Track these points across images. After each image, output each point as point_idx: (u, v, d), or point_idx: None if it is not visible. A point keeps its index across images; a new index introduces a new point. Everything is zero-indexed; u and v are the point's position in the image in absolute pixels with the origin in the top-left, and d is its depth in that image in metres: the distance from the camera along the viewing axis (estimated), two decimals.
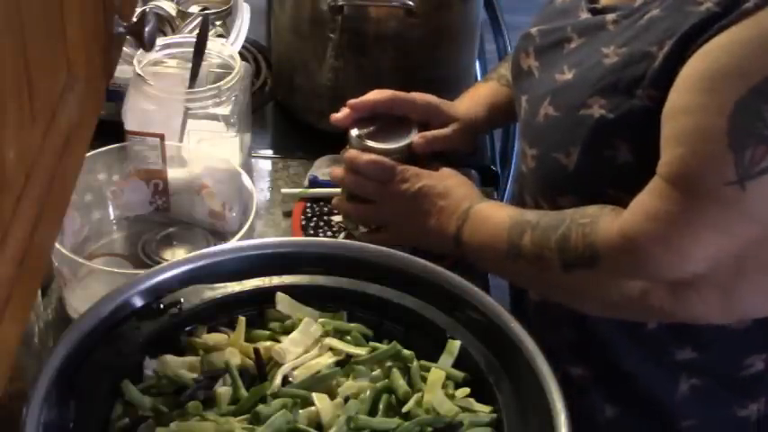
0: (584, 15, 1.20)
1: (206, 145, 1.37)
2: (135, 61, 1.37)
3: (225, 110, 1.36)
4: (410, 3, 1.46)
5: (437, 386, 1.02)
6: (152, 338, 1.06)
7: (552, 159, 1.16)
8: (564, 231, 1.12)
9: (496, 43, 2.03)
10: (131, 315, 1.06)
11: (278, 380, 1.03)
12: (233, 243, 1.19)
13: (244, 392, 1.02)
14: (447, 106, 1.40)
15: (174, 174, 1.35)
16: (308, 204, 1.44)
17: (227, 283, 1.11)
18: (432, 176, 1.28)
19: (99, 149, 1.30)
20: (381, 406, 1.02)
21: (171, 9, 1.61)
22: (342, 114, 1.35)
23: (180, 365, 1.04)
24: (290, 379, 1.04)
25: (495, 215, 1.20)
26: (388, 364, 1.06)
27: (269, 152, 1.57)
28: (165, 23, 1.58)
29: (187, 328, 1.08)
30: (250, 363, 1.06)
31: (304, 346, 1.07)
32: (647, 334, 1.20)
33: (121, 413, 1.01)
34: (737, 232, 1.06)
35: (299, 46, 1.54)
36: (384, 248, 1.15)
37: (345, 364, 1.06)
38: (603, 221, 1.10)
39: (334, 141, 1.41)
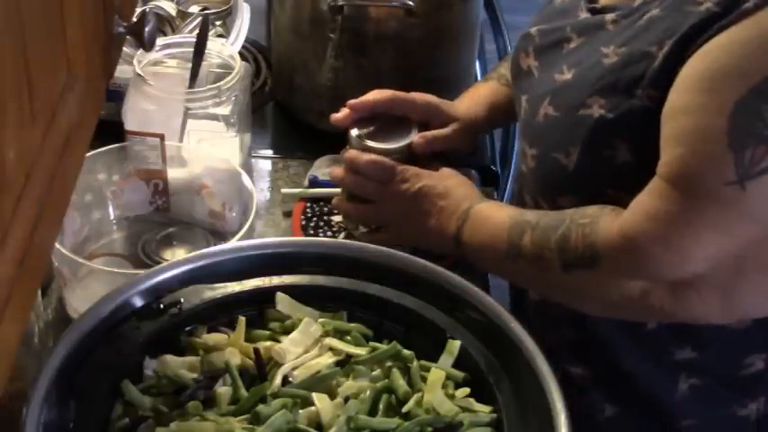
0: (584, 15, 1.20)
1: (206, 145, 1.37)
2: (135, 61, 1.37)
3: (225, 110, 1.36)
4: (410, 3, 1.46)
5: (437, 386, 1.02)
6: (152, 338, 1.06)
7: (552, 159, 1.16)
8: (564, 231, 1.12)
9: (496, 43, 2.03)
10: (131, 315, 1.06)
11: (278, 380, 1.03)
12: (233, 243, 1.19)
13: (244, 392, 1.02)
14: (447, 106, 1.40)
15: (174, 174, 1.35)
16: (308, 204, 1.44)
17: (227, 283, 1.11)
18: (432, 176, 1.28)
19: (99, 149, 1.30)
20: (381, 406, 1.02)
21: (171, 9, 1.61)
22: (342, 114, 1.35)
23: (180, 365, 1.04)
24: (290, 379, 1.04)
25: (495, 215, 1.20)
26: (388, 364, 1.06)
27: (269, 152, 1.57)
28: (165, 23, 1.58)
29: (187, 328, 1.08)
30: (250, 363, 1.06)
31: (304, 346, 1.07)
32: (646, 334, 1.20)
33: (121, 413, 1.01)
34: (737, 232, 1.06)
35: (299, 46, 1.54)
36: (384, 248, 1.15)
37: (345, 364, 1.06)
38: (603, 221, 1.10)
39: (334, 141, 1.41)
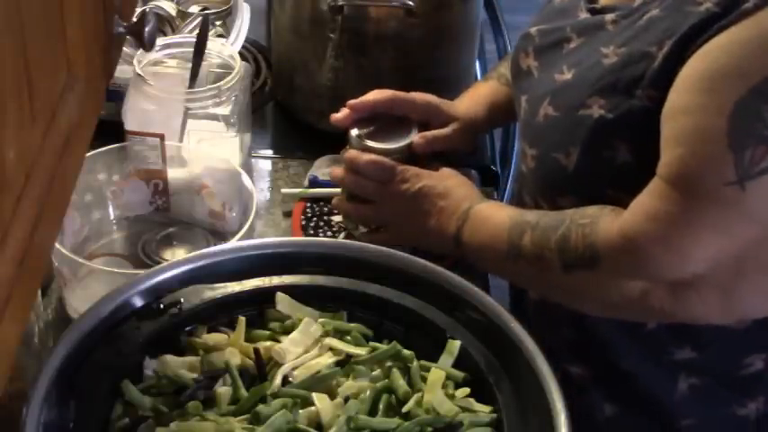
0: (584, 15, 1.20)
1: (206, 145, 1.37)
2: (135, 61, 1.37)
3: (225, 110, 1.36)
4: (410, 3, 1.46)
5: (437, 386, 1.02)
6: (152, 338, 1.06)
7: (552, 159, 1.16)
8: (564, 232, 1.12)
9: (496, 43, 2.03)
10: (131, 315, 1.06)
11: (278, 380, 1.03)
12: (233, 243, 1.19)
13: (244, 392, 1.02)
14: (447, 106, 1.40)
15: (174, 174, 1.35)
16: (308, 204, 1.44)
17: (227, 283, 1.11)
18: (432, 177, 1.28)
19: (99, 149, 1.30)
20: (381, 406, 1.02)
21: (171, 9, 1.61)
22: (342, 114, 1.35)
23: (180, 365, 1.04)
24: (290, 379, 1.04)
25: (495, 215, 1.20)
26: (388, 364, 1.06)
27: (269, 152, 1.57)
28: (165, 23, 1.58)
29: (187, 328, 1.08)
30: (250, 363, 1.06)
31: (304, 346, 1.07)
32: (646, 334, 1.20)
33: (121, 413, 1.01)
34: (737, 233, 1.06)
35: (299, 46, 1.54)
36: (384, 248, 1.15)
37: (345, 364, 1.06)
38: (603, 222, 1.10)
39: (334, 141, 1.41)
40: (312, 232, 1.40)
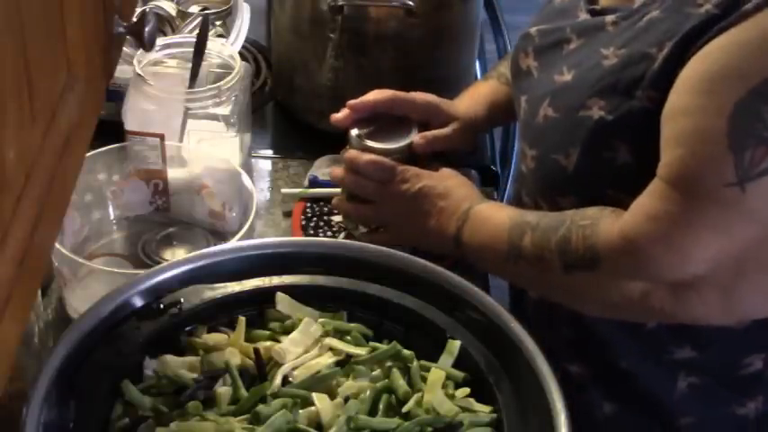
0: (583, 16, 1.20)
1: (206, 145, 1.37)
2: (135, 61, 1.37)
3: (225, 110, 1.36)
4: (410, 3, 1.46)
5: (437, 386, 1.02)
6: (152, 338, 1.06)
7: (552, 160, 1.16)
8: (564, 233, 1.12)
9: (496, 43, 2.03)
10: (131, 315, 1.06)
11: (278, 380, 1.03)
12: (233, 243, 1.19)
13: (244, 392, 1.02)
14: (447, 105, 1.40)
15: (174, 174, 1.35)
16: (308, 204, 1.44)
17: (227, 283, 1.11)
18: (432, 177, 1.28)
19: (99, 149, 1.30)
20: (381, 406, 1.02)
21: (171, 9, 1.61)
22: (342, 114, 1.35)
23: (180, 365, 1.04)
24: (290, 379, 1.04)
25: (495, 216, 1.20)
26: (388, 364, 1.06)
27: (269, 152, 1.57)
28: (165, 23, 1.58)
29: (187, 328, 1.08)
30: (250, 363, 1.06)
31: (304, 346, 1.07)
32: (646, 333, 1.20)
33: (121, 413, 1.01)
34: (737, 233, 1.06)
35: (299, 46, 1.54)
36: (384, 248, 1.15)
37: (345, 364, 1.06)
38: (604, 223, 1.10)
39: (335, 141, 1.41)
40: (312, 232, 1.40)
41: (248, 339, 1.08)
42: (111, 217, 1.36)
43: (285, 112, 1.63)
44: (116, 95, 1.40)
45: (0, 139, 0.66)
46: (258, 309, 1.11)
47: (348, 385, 1.03)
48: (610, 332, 1.21)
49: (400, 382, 1.03)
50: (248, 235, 1.23)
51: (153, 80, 1.35)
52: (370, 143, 1.32)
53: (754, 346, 1.21)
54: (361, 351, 1.07)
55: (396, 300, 1.11)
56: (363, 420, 0.99)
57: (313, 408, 1.01)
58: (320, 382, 1.03)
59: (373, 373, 1.05)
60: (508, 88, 1.37)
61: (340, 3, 1.46)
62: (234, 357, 1.05)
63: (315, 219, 1.41)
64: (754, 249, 1.07)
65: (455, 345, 1.06)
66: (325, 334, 1.08)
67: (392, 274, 1.12)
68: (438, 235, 1.24)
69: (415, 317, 1.10)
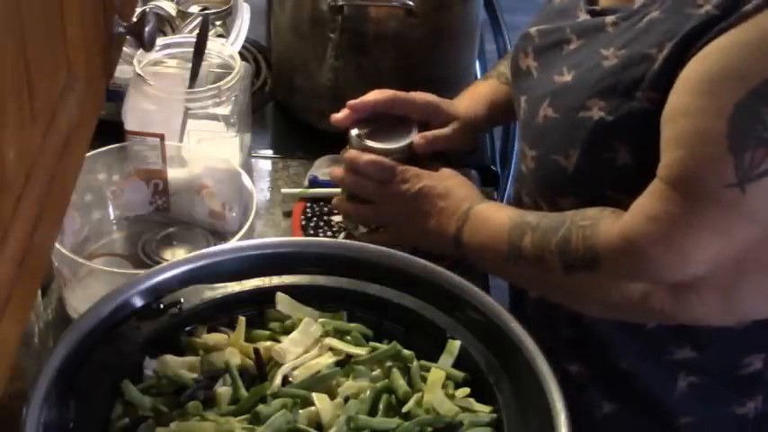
0: (583, 16, 1.20)
1: (206, 145, 1.37)
2: (135, 61, 1.37)
3: (225, 110, 1.36)
4: (410, 3, 1.46)
5: (437, 386, 1.02)
6: (152, 338, 1.06)
7: (552, 161, 1.16)
8: (564, 234, 1.12)
9: (496, 43, 2.03)
10: (131, 315, 1.07)
11: (278, 380, 1.03)
12: (233, 243, 1.19)
13: (244, 392, 1.02)
14: (447, 105, 1.40)
15: (174, 174, 1.35)
16: (308, 204, 1.44)
17: (227, 283, 1.11)
18: (432, 177, 1.28)
19: (99, 149, 1.30)
20: (381, 406, 1.02)
21: (171, 9, 1.61)
22: (342, 114, 1.35)
23: (180, 365, 1.04)
24: (290, 379, 1.04)
25: (495, 216, 1.20)
26: (388, 364, 1.06)
27: (269, 152, 1.57)
28: (165, 23, 1.58)
29: (187, 328, 1.08)
30: (250, 363, 1.06)
31: (304, 346, 1.07)
32: (646, 333, 1.20)
33: (121, 413, 1.01)
34: (737, 234, 1.06)
35: (299, 46, 1.54)
36: (384, 248, 1.15)
37: (345, 364, 1.06)
38: (604, 224, 1.10)
39: (335, 141, 1.41)
40: (312, 232, 1.40)
41: (248, 339, 1.08)
42: (111, 217, 1.36)
43: (285, 112, 1.63)
44: (116, 95, 1.40)
45: (0, 139, 0.66)
46: (258, 309, 1.11)
47: (348, 385, 1.03)
48: (610, 332, 1.21)
49: (400, 382, 1.03)
50: (248, 235, 1.23)
51: (153, 80, 1.35)
52: (370, 143, 1.32)
53: (753, 346, 1.21)
54: (361, 351, 1.07)
55: (396, 300, 1.11)
56: (363, 420, 0.99)
57: (313, 408, 1.01)
58: (320, 382, 1.04)
59: (373, 373, 1.05)
60: (508, 87, 1.36)
61: (340, 3, 1.46)
62: (234, 357, 1.05)
63: (315, 219, 1.41)
64: (754, 250, 1.07)
65: (455, 345, 1.06)
66: (325, 334, 1.08)
67: (392, 274, 1.12)
68: (438, 235, 1.24)
69: (415, 317, 1.10)
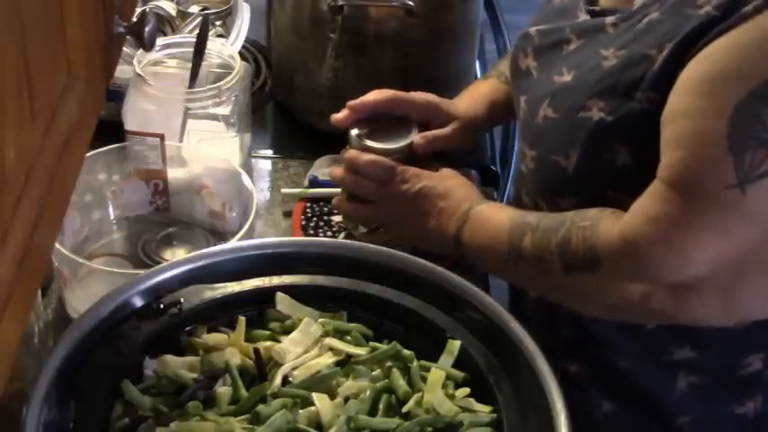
0: (583, 16, 1.20)
1: (206, 145, 1.37)
2: (135, 61, 1.37)
3: (225, 110, 1.36)
4: (410, 3, 1.46)
5: (437, 386, 1.02)
6: (152, 338, 1.06)
7: (551, 161, 1.16)
8: (564, 234, 1.12)
9: (496, 43, 2.03)
10: (131, 315, 1.07)
11: (278, 380, 1.03)
12: (233, 243, 1.19)
13: (244, 392, 1.02)
14: (447, 105, 1.40)
15: (174, 174, 1.35)
16: (308, 204, 1.44)
17: (227, 283, 1.11)
18: (432, 177, 1.28)
19: (99, 149, 1.30)
20: (381, 406, 1.02)
21: (171, 9, 1.61)
22: (342, 114, 1.35)
23: (180, 365, 1.04)
24: (290, 379, 1.04)
25: (495, 217, 1.20)
26: (388, 364, 1.06)
27: (269, 152, 1.57)
28: (165, 23, 1.58)
29: (187, 328, 1.08)
30: (250, 363, 1.06)
31: (304, 346, 1.07)
32: (645, 333, 1.20)
33: (121, 413, 1.01)
34: (738, 235, 1.06)
35: (299, 46, 1.54)
36: (384, 248, 1.15)
37: (345, 364, 1.06)
38: (604, 224, 1.10)
39: (335, 141, 1.41)
40: (312, 232, 1.40)
41: (248, 339, 1.08)
42: (111, 217, 1.36)
43: (285, 112, 1.63)
44: (116, 95, 1.40)
45: (0, 139, 0.66)
46: (258, 309, 1.11)
47: (348, 385, 1.03)
48: (610, 332, 1.21)
49: (400, 382, 1.03)
50: (248, 235, 1.23)
51: (153, 80, 1.35)
52: (370, 143, 1.32)
53: (753, 347, 1.21)
54: (361, 351, 1.07)
55: (396, 300, 1.11)
56: (363, 420, 0.99)
57: (313, 408, 1.01)
58: (320, 382, 1.04)
59: (373, 373, 1.05)
60: (508, 87, 1.36)
61: (340, 3, 1.46)
62: (234, 357, 1.05)
63: (315, 219, 1.41)
64: (755, 251, 1.07)
65: (455, 345, 1.06)
66: (326, 334, 1.08)
67: (392, 274, 1.12)
68: (438, 235, 1.24)
69: (415, 317, 1.10)
